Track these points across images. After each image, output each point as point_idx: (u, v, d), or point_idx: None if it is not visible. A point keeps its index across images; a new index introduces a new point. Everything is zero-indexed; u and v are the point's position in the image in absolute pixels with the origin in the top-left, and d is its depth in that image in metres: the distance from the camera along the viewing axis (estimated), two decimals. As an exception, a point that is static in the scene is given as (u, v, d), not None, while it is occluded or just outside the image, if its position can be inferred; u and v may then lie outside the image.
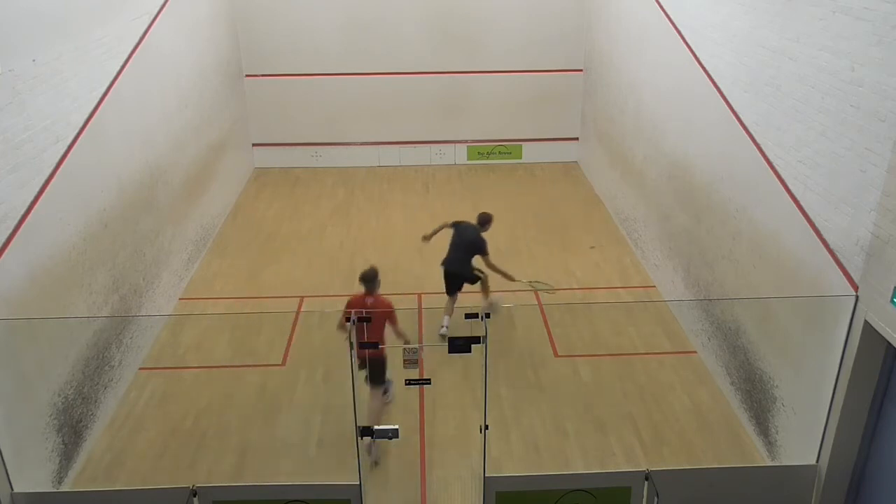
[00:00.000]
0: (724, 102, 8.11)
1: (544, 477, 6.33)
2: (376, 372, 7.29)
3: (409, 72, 14.60)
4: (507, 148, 15.37)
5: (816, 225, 6.36)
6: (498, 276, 9.28)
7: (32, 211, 6.60)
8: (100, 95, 8.05)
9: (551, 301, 10.07)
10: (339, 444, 7.45)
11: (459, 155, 15.39)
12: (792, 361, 6.78)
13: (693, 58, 8.95)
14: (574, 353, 8.96)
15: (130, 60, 8.91)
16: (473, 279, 9.37)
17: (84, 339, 7.46)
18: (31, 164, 6.63)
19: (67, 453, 7.01)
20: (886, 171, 5.42)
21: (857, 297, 5.81)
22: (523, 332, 9.39)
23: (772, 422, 7.17)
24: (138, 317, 8.77)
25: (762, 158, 7.26)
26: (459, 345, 5.82)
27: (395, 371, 7.66)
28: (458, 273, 9.25)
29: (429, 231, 9.74)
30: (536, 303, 10.08)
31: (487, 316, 5.72)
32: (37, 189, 6.71)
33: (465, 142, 15.30)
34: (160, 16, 9.94)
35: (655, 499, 5.92)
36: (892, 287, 5.37)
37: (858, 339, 5.80)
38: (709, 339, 8.62)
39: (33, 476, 6.41)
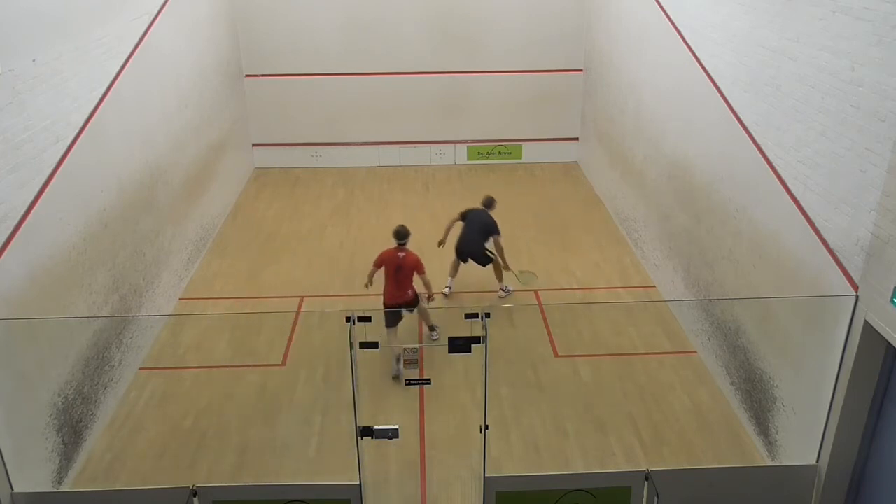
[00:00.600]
0: (724, 102, 8.11)
1: (544, 477, 6.33)
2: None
3: (409, 72, 14.61)
4: (507, 148, 15.37)
5: (816, 225, 6.36)
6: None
7: (32, 211, 6.60)
8: (100, 95, 8.05)
9: (551, 301, 10.08)
10: (339, 444, 7.45)
11: (459, 155, 15.39)
12: (792, 361, 6.78)
13: (693, 58, 8.95)
14: (574, 353, 8.96)
15: (130, 60, 8.91)
16: (485, 260, 9.98)
17: (84, 339, 7.46)
18: (31, 164, 6.63)
19: (67, 453, 7.01)
20: (886, 171, 5.42)
21: (857, 297, 5.81)
22: (523, 332, 9.39)
23: (772, 422, 7.17)
24: (138, 317, 8.78)
25: (762, 158, 7.26)
26: (459, 345, 5.82)
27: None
28: (472, 252, 9.97)
29: (441, 235, 10.19)
30: (536, 303, 10.09)
31: (487, 316, 5.72)
32: (37, 189, 6.71)
33: (465, 142, 15.30)
34: (160, 16, 9.94)
35: (655, 499, 5.93)
36: (892, 287, 5.37)
37: (858, 339, 5.80)
38: (709, 339, 8.62)
39: (33, 476, 6.41)
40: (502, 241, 9.95)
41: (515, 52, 14.56)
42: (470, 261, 10.15)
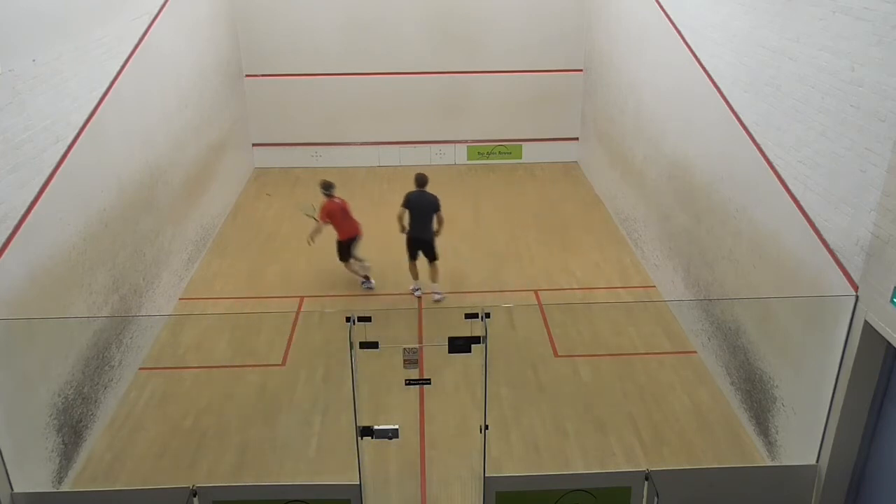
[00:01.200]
0: (724, 102, 8.11)
1: (544, 477, 6.33)
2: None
3: (409, 72, 14.61)
4: (507, 148, 15.37)
5: (816, 225, 6.36)
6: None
7: (32, 211, 6.60)
8: (100, 95, 8.05)
9: (551, 301, 10.08)
10: (339, 444, 7.45)
11: (459, 155, 15.39)
12: (792, 361, 6.78)
13: (693, 58, 8.95)
14: (574, 353, 8.96)
15: (130, 60, 8.91)
16: (433, 253, 10.00)
17: (84, 339, 7.46)
18: (31, 164, 6.63)
19: (67, 453, 7.01)
20: (886, 171, 5.42)
21: (857, 297, 5.81)
22: (523, 332, 9.39)
23: (772, 422, 7.17)
24: (138, 317, 8.78)
25: (762, 158, 7.26)
26: (459, 345, 5.82)
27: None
28: (426, 238, 9.95)
29: (397, 226, 10.18)
30: (536, 303, 10.09)
31: (487, 316, 5.72)
32: (37, 189, 6.71)
33: (465, 142, 15.30)
34: (160, 16, 9.94)
35: (655, 499, 5.93)
36: (892, 287, 5.37)
37: (858, 339, 5.79)
38: (709, 339, 8.62)
39: (33, 476, 6.41)
40: (443, 214, 9.95)
41: (515, 52, 14.56)
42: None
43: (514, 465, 7.23)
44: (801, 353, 6.60)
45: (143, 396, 8.26)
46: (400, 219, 10.09)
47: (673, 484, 5.98)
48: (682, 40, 9.30)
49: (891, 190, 5.38)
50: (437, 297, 10.12)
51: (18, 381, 6.29)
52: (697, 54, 8.85)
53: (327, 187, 10.32)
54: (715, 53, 8.36)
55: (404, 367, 6.80)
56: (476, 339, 5.77)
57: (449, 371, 8.50)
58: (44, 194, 6.80)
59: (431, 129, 15.12)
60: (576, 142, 15.34)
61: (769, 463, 7.20)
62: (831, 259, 6.14)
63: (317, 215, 10.36)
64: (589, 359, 8.87)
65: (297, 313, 9.92)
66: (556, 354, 8.98)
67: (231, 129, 13.43)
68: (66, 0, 7.42)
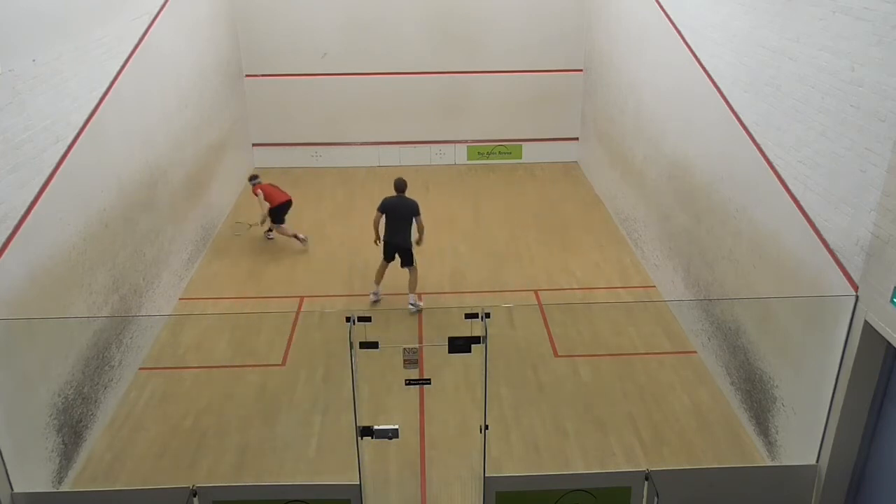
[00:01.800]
0: (724, 102, 8.11)
1: (544, 477, 6.33)
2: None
3: (409, 72, 14.61)
4: (507, 148, 15.37)
5: (816, 225, 6.36)
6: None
7: (32, 211, 6.60)
8: (100, 95, 8.05)
9: (551, 301, 10.08)
10: (339, 444, 7.45)
11: (459, 155, 15.39)
12: (792, 361, 6.78)
13: (693, 58, 8.95)
14: (574, 353, 8.96)
15: (130, 60, 8.91)
16: (410, 259, 9.80)
17: (84, 339, 7.46)
18: (31, 164, 6.63)
19: (67, 453, 7.01)
20: (886, 171, 5.42)
21: (857, 297, 5.81)
22: (523, 332, 9.39)
23: (772, 422, 7.17)
24: (138, 317, 8.78)
25: (762, 158, 7.26)
26: (459, 345, 5.82)
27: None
28: (401, 242, 9.71)
29: (373, 235, 10.01)
30: (536, 303, 10.09)
31: (487, 316, 5.72)
32: (37, 189, 6.71)
33: (465, 142, 15.30)
34: (160, 16, 9.94)
35: (655, 499, 5.93)
36: (892, 287, 5.37)
37: (858, 339, 5.80)
38: (709, 339, 8.62)
39: (33, 476, 6.41)
40: (423, 220, 9.75)
41: (515, 52, 14.55)
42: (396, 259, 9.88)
43: (514, 465, 7.23)
44: (801, 353, 6.60)
45: (143, 396, 8.26)
46: (375, 225, 9.84)
47: (673, 484, 5.98)
48: (682, 40, 9.30)
49: (891, 190, 5.38)
50: (412, 308, 9.75)
51: (18, 381, 6.29)
52: (697, 54, 8.85)
53: (252, 178, 11.87)
54: (715, 53, 8.36)
55: (404, 367, 6.79)
56: (476, 339, 5.76)
57: (449, 371, 8.50)
58: (44, 194, 6.80)
59: (431, 129, 15.12)
60: (576, 142, 15.34)
61: (769, 463, 7.20)
62: (831, 259, 6.14)
63: (251, 223, 11.92)
64: (589, 359, 8.87)
65: (297, 313, 9.92)
66: (556, 354, 8.98)
67: (231, 129, 13.43)
68: (66, 0, 7.42)
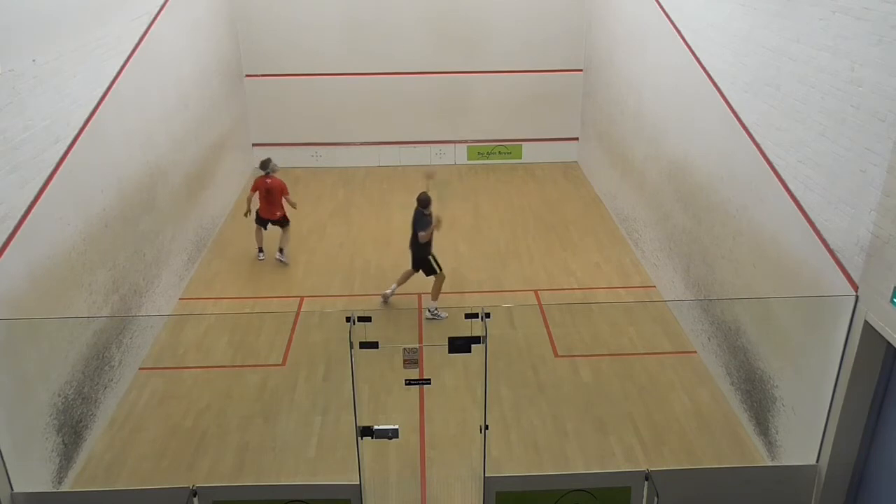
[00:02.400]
0: (724, 102, 8.11)
1: (544, 477, 6.33)
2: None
3: (409, 72, 14.61)
4: (507, 148, 15.37)
5: (816, 225, 6.36)
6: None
7: (32, 211, 6.60)
8: (100, 95, 8.05)
9: (551, 301, 10.08)
10: (339, 444, 7.45)
11: (459, 155, 15.39)
12: (792, 361, 6.78)
13: (693, 58, 8.95)
14: (574, 353, 8.96)
15: (130, 60, 8.91)
16: (428, 268, 9.82)
17: (84, 339, 7.46)
18: (31, 164, 6.63)
19: (67, 453, 7.01)
20: (886, 171, 5.42)
21: (857, 297, 5.81)
22: (523, 332, 9.39)
23: (772, 422, 7.17)
24: (138, 317, 8.77)
25: (762, 158, 7.26)
26: (459, 345, 5.82)
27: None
28: (413, 251, 9.86)
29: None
30: (536, 303, 10.09)
31: (487, 316, 5.72)
32: (37, 189, 6.71)
33: (465, 142, 15.30)
34: (160, 16, 9.94)
35: (655, 499, 5.92)
36: (892, 287, 5.37)
37: (858, 339, 5.79)
38: (709, 339, 8.62)
39: (33, 476, 6.41)
40: (425, 236, 9.64)
41: (515, 53, 14.55)
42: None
43: (514, 465, 7.23)
44: (801, 353, 6.60)
45: (143, 396, 8.26)
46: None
47: (673, 484, 5.98)
48: (682, 40, 9.30)
49: (891, 190, 5.38)
50: (427, 314, 9.76)
51: (18, 381, 6.29)
52: (697, 54, 8.85)
53: (263, 165, 11.17)
54: (715, 53, 8.36)
55: (404, 367, 6.79)
56: (476, 339, 5.76)
57: (449, 371, 8.50)
58: (44, 194, 6.80)
59: (431, 129, 15.12)
60: (576, 142, 15.34)
61: (769, 463, 7.20)
62: (831, 259, 6.14)
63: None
64: (589, 359, 8.87)
65: (297, 313, 9.92)
66: (556, 354, 8.98)
67: (231, 129, 13.43)
68: (66, 0, 7.42)
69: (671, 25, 9.66)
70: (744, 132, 7.63)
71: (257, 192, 11.18)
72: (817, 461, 6.37)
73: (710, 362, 8.59)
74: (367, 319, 5.76)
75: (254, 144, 15.04)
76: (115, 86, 8.42)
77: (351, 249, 11.64)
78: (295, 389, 8.35)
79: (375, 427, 6.18)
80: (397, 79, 14.64)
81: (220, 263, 11.27)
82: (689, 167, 9.19)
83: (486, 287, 10.54)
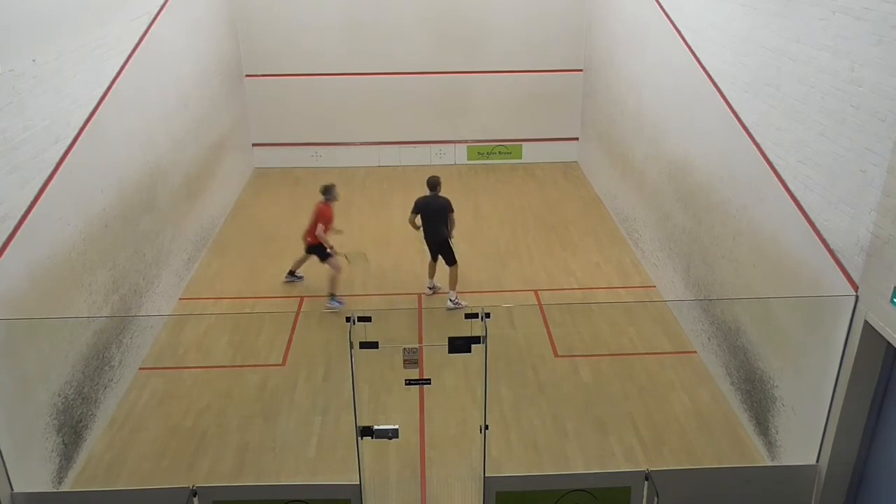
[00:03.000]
0: (724, 102, 8.11)
1: (544, 477, 6.33)
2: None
3: (409, 72, 14.60)
4: (507, 148, 15.37)
5: (816, 225, 6.36)
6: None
7: (32, 211, 6.60)
8: (100, 95, 8.05)
9: (551, 301, 10.08)
10: (339, 444, 7.45)
11: (459, 155, 15.39)
12: (792, 361, 6.78)
13: (693, 58, 8.95)
14: (574, 353, 8.96)
15: (130, 60, 8.91)
16: (451, 258, 9.92)
17: (84, 339, 7.46)
18: (31, 164, 6.63)
19: (67, 453, 7.01)
20: (886, 171, 5.42)
21: (857, 297, 5.81)
22: (523, 332, 9.39)
23: (772, 422, 7.17)
24: (138, 317, 8.78)
25: (762, 158, 7.26)
26: (459, 345, 5.82)
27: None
28: (439, 241, 9.92)
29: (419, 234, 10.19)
30: (536, 303, 10.09)
31: (487, 316, 5.72)
32: (37, 189, 6.71)
33: (465, 142, 15.30)
34: (160, 16, 9.94)
35: (655, 499, 5.93)
36: (892, 287, 5.37)
37: (858, 339, 5.79)
38: (709, 339, 8.62)
39: (33, 476, 6.41)
40: (454, 216, 9.93)
41: (515, 52, 14.55)
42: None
43: (514, 465, 7.23)
44: (801, 353, 6.60)
45: (143, 396, 8.26)
46: (412, 223, 10.07)
47: (673, 484, 5.98)
48: (682, 40, 9.30)
49: (891, 190, 5.38)
50: (450, 304, 9.90)
51: (18, 381, 6.29)
52: (697, 54, 8.85)
53: (327, 191, 10.04)
54: (715, 53, 8.36)
55: (404, 367, 6.80)
56: (476, 339, 5.76)
57: (449, 371, 8.50)
58: (44, 194, 6.80)
59: (431, 129, 15.12)
60: (576, 142, 15.34)
61: (769, 463, 7.20)
62: (831, 259, 6.14)
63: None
64: (589, 359, 8.87)
65: (297, 313, 9.92)
66: (556, 354, 8.98)
67: (231, 129, 13.43)
68: (66, 0, 7.42)
69: (671, 25, 9.66)
70: (744, 132, 7.63)
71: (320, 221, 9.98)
72: (817, 461, 6.37)
73: (710, 362, 8.59)
74: (367, 319, 5.76)
75: (254, 144, 15.05)
76: (115, 86, 8.42)
77: (351, 249, 11.63)
78: (295, 389, 8.35)
79: (375, 427, 6.18)
80: (397, 79, 14.64)
81: (220, 263, 11.27)
82: (689, 167, 9.19)
83: (486, 287, 10.54)
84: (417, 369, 8.21)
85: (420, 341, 9.28)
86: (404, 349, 6.43)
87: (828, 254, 6.19)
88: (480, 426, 6.05)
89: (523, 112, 15.03)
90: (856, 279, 5.83)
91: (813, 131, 6.35)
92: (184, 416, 7.91)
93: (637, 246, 11.42)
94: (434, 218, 9.84)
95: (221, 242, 11.97)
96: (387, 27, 14.24)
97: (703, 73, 8.64)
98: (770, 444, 7.23)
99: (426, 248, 10.13)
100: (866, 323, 5.70)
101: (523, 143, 15.35)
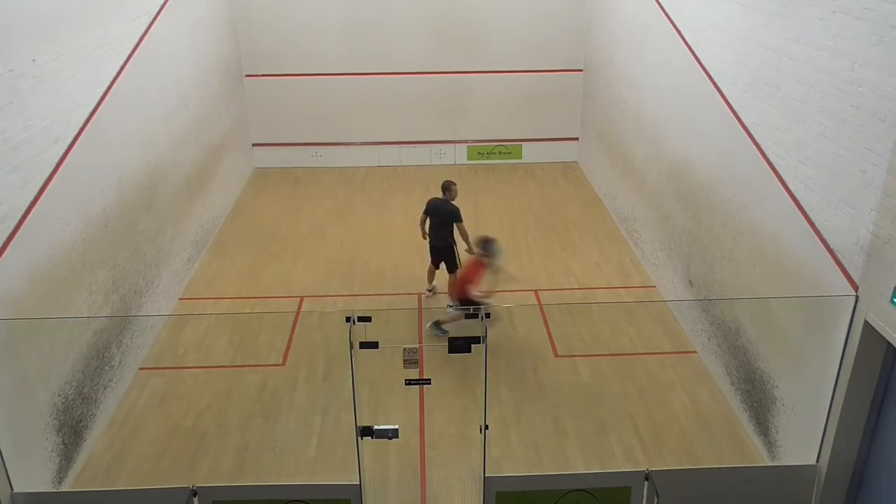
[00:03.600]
0: (724, 102, 8.11)
1: (544, 477, 6.33)
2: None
3: (409, 72, 14.61)
4: (507, 148, 15.37)
5: (816, 225, 6.36)
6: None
7: (32, 211, 6.60)
8: (100, 95, 8.05)
9: (551, 301, 10.08)
10: (339, 444, 7.45)
11: (459, 155, 15.39)
12: (792, 361, 6.78)
13: (693, 58, 8.95)
14: (574, 353, 8.96)
15: (130, 60, 8.91)
16: (453, 263, 9.80)
17: (84, 339, 7.46)
18: (31, 164, 6.63)
19: (67, 453, 7.01)
20: (886, 171, 5.42)
21: (857, 297, 5.81)
22: (523, 332, 9.39)
23: (772, 422, 7.17)
24: (138, 317, 8.78)
25: (762, 158, 7.26)
26: (459, 345, 5.82)
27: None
28: (440, 247, 9.83)
29: (419, 234, 10.16)
30: (536, 303, 10.09)
31: (487, 316, 5.72)
32: (37, 189, 6.71)
33: (465, 142, 15.30)
34: (160, 16, 9.94)
35: (655, 499, 5.93)
36: (892, 287, 5.37)
37: (858, 339, 5.79)
38: (709, 339, 8.62)
39: (33, 476, 6.41)
40: (465, 226, 9.72)
41: (515, 53, 14.55)
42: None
43: (514, 465, 7.23)
44: (801, 353, 6.60)
45: (143, 396, 8.26)
46: (421, 224, 10.03)
47: (673, 484, 5.98)
48: (682, 40, 9.30)
49: (891, 190, 5.38)
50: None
51: (18, 381, 6.29)
52: (697, 54, 8.85)
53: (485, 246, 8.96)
54: (715, 53, 8.36)
55: (404, 367, 6.80)
56: (476, 339, 5.77)
57: (449, 371, 8.50)
58: (44, 194, 6.80)
59: (431, 129, 15.12)
60: (576, 142, 15.34)
61: (769, 463, 7.20)
62: (831, 259, 6.14)
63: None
64: (589, 359, 8.87)
65: (297, 313, 9.92)
66: (556, 354, 8.98)
67: (231, 129, 13.43)
68: (66, 0, 7.42)
69: (671, 25, 9.66)
70: (744, 132, 7.63)
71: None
72: (817, 461, 6.37)
73: (710, 362, 8.59)
74: (367, 319, 5.76)
75: (254, 144, 15.05)
76: (115, 86, 8.42)
77: (351, 249, 11.64)
78: (295, 389, 8.35)
79: (375, 427, 6.18)
80: (397, 79, 14.64)
81: (220, 263, 11.27)
82: (689, 167, 9.19)
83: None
84: (417, 369, 8.21)
85: (420, 341, 9.28)
86: (404, 349, 6.43)
87: (828, 254, 6.19)
88: (480, 426, 6.05)
89: (523, 112, 15.03)
90: (856, 279, 5.83)
91: (813, 131, 6.35)
92: (184, 416, 7.91)
93: (637, 246, 11.42)
94: (438, 222, 9.78)
95: (221, 242, 11.97)
96: (387, 27, 14.24)
97: (703, 73, 8.64)
98: (770, 444, 7.23)
99: (428, 251, 10.07)
100: (866, 323, 5.70)
101: (523, 143, 15.35)
